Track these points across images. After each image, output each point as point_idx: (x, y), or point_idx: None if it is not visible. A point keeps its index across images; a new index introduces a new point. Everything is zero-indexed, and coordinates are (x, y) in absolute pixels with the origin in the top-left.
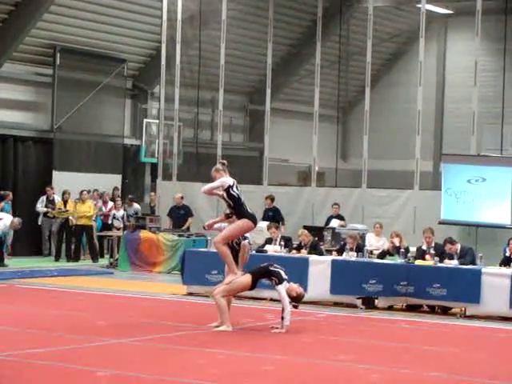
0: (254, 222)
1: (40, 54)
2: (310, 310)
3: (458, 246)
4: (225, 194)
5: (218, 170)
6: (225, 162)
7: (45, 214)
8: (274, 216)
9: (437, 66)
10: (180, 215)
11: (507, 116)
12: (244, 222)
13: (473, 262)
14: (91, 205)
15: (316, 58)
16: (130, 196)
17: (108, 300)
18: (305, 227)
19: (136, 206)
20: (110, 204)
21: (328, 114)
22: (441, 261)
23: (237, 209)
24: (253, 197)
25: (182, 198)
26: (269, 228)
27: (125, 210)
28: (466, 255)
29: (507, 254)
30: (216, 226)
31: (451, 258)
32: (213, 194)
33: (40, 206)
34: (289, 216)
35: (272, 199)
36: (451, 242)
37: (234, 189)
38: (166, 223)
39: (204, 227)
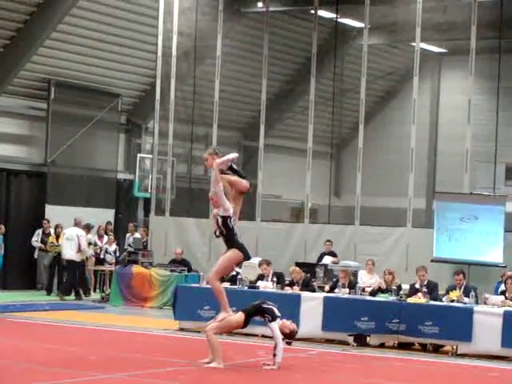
0: (244, 252)
1: (34, 87)
2: (302, 346)
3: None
4: (220, 221)
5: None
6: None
7: (40, 248)
8: None
9: (430, 104)
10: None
11: (500, 155)
12: (234, 253)
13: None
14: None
15: (310, 94)
16: (134, 223)
17: (99, 335)
18: (297, 264)
19: (137, 235)
20: (106, 238)
21: (321, 151)
22: (432, 298)
23: (229, 238)
24: (245, 233)
25: (182, 252)
26: (260, 264)
27: (118, 244)
28: (471, 291)
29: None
30: None
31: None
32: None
33: (35, 240)
34: (281, 252)
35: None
36: (463, 273)
37: (231, 220)
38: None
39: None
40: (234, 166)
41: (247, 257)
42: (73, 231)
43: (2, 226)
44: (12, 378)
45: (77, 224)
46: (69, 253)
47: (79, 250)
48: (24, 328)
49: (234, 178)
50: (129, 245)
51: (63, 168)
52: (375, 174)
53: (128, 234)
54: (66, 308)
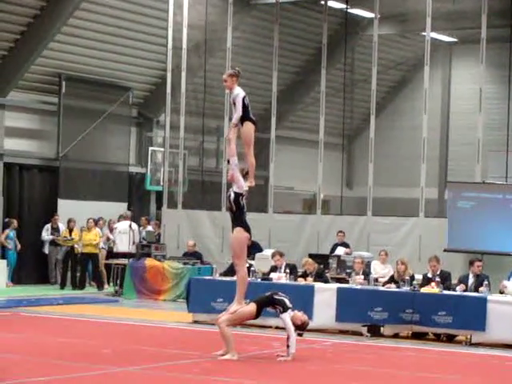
0: (249, 231)
1: (46, 82)
2: (316, 337)
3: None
4: (232, 196)
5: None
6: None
7: (51, 242)
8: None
9: (442, 94)
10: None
11: None
12: (240, 234)
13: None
14: (97, 233)
15: (321, 85)
16: (146, 216)
17: (113, 328)
18: (310, 255)
19: (149, 228)
20: None
21: (333, 142)
22: (446, 288)
23: (237, 216)
24: (258, 225)
25: (194, 245)
26: (273, 255)
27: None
28: (485, 280)
29: None
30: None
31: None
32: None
33: (45, 235)
34: (294, 244)
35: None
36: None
37: (243, 199)
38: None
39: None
40: (246, 102)
41: (251, 236)
42: (126, 225)
43: (15, 221)
44: (26, 371)
45: (126, 218)
46: (124, 246)
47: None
48: (38, 322)
49: (244, 135)
50: (143, 238)
51: (75, 162)
52: (387, 164)
53: (141, 228)
54: (80, 302)
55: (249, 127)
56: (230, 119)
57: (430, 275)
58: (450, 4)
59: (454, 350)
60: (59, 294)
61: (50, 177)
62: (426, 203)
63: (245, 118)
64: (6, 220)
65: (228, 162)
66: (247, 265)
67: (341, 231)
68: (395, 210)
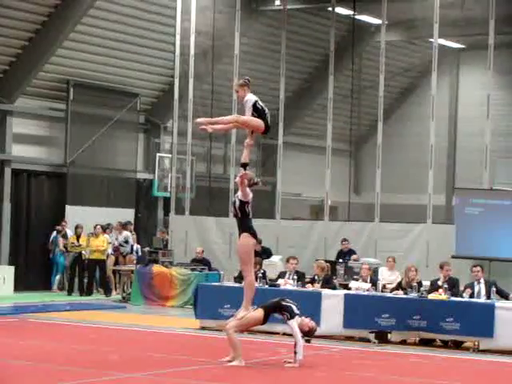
0: (255, 236)
1: (53, 88)
2: (323, 344)
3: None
4: (238, 204)
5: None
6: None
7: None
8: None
9: (449, 100)
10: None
11: None
12: (246, 239)
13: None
14: (105, 239)
15: (328, 92)
16: (119, 221)
17: (121, 334)
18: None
19: (126, 233)
20: (124, 234)
21: (341, 148)
22: (453, 294)
23: (242, 222)
24: (265, 231)
25: (202, 251)
26: (288, 259)
27: (138, 243)
28: (492, 287)
29: None
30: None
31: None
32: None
33: (51, 242)
34: (301, 250)
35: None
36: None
37: (248, 206)
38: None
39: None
40: (259, 106)
41: (259, 241)
42: None
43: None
44: (35, 378)
45: None
46: None
47: None
48: (45, 329)
49: (251, 118)
50: (120, 244)
51: (83, 168)
52: (394, 170)
53: (117, 232)
54: (88, 308)
55: (260, 121)
56: None
57: (440, 282)
58: (457, 10)
59: (461, 356)
60: (66, 301)
61: (58, 183)
62: (434, 209)
63: (263, 118)
64: (58, 227)
65: (243, 167)
66: (262, 271)
67: (345, 239)
68: (403, 217)
